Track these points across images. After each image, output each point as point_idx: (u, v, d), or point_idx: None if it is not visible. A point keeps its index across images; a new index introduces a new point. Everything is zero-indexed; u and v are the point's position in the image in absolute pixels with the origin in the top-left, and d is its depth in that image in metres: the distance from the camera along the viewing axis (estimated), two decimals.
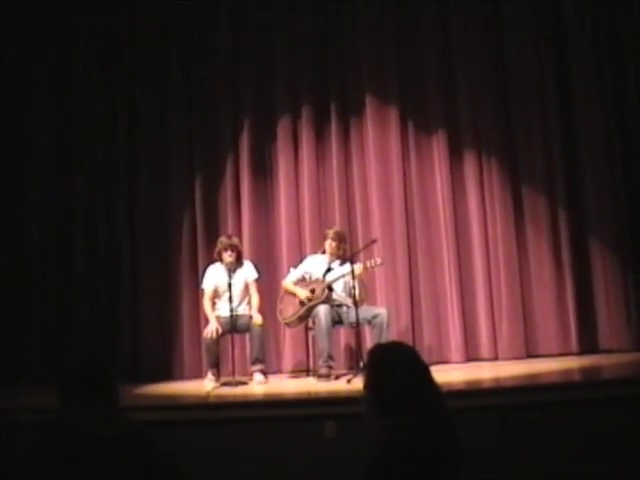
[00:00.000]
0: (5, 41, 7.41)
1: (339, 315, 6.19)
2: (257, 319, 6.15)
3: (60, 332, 7.15)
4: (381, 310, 6.08)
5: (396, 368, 2.21)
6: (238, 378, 5.96)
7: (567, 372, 5.73)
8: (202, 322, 6.74)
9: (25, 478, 2.07)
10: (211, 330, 6.09)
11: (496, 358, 6.71)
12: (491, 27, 7.10)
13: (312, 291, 6.22)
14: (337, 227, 6.66)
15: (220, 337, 6.13)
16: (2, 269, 7.18)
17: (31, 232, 7.36)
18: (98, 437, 2.11)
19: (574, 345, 6.60)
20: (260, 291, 6.46)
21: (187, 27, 7.53)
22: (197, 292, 6.89)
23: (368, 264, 6.11)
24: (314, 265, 6.40)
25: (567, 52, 6.92)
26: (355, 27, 7.29)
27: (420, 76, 7.17)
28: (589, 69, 6.80)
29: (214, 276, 6.39)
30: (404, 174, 7.09)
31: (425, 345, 6.80)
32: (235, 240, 6.47)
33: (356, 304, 5.84)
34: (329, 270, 6.24)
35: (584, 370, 5.83)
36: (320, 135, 7.30)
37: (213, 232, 7.09)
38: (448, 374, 5.78)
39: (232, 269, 6.26)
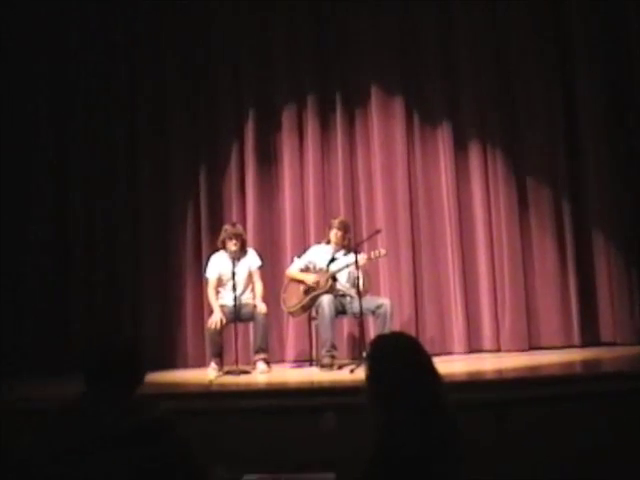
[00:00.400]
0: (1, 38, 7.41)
1: (342, 305, 6.20)
2: (261, 308, 6.17)
3: (61, 320, 7.13)
4: (385, 300, 6.09)
5: (396, 360, 2.20)
6: (241, 367, 6.01)
7: (569, 365, 5.73)
8: (205, 311, 6.76)
9: (30, 470, 2.07)
10: (215, 321, 6.10)
11: (498, 350, 6.73)
12: (495, 17, 7.09)
13: (315, 282, 6.23)
14: (342, 217, 6.67)
15: (224, 327, 6.15)
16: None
17: (30, 220, 7.30)
18: (110, 432, 2.08)
19: (576, 338, 6.61)
20: (264, 280, 6.47)
21: (187, 15, 7.49)
22: (201, 281, 6.90)
23: (372, 255, 6.11)
24: (318, 255, 6.40)
25: (571, 46, 6.90)
26: (360, 17, 7.27)
27: (425, 67, 7.16)
28: (593, 63, 6.79)
29: (218, 265, 6.39)
30: (409, 165, 7.09)
31: (428, 336, 6.82)
32: (240, 228, 6.48)
33: (360, 294, 5.85)
34: (333, 260, 6.24)
35: (586, 363, 5.83)
36: (325, 125, 7.29)
37: (217, 222, 7.08)
38: (450, 365, 5.79)
39: (236, 257, 6.27)
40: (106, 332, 6.84)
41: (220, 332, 6.13)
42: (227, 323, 6.14)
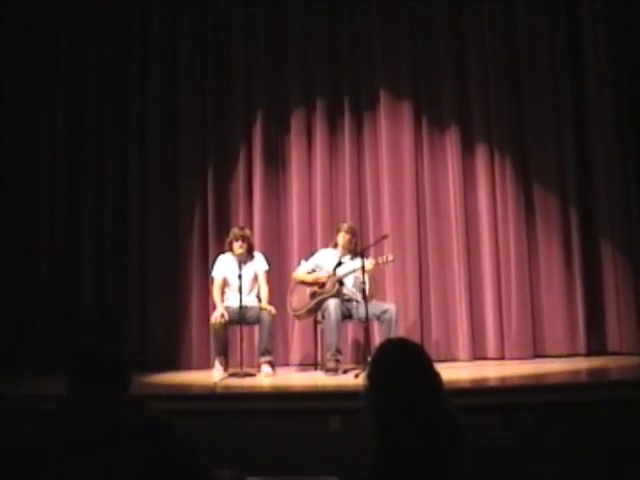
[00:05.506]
0: (11, 31, 7.43)
1: (348, 310, 6.20)
2: (269, 309, 6.17)
3: (67, 320, 7.15)
4: (390, 306, 6.09)
5: (396, 365, 2.19)
6: (246, 369, 5.97)
7: (574, 373, 5.72)
8: (211, 312, 6.74)
9: (42, 465, 2.07)
10: (217, 315, 6.12)
11: (503, 357, 6.70)
12: (505, 23, 7.08)
13: (322, 285, 6.23)
14: (350, 221, 6.67)
15: (228, 324, 6.15)
16: (11, 256, 7.20)
17: (40, 218, 7.34)
18: (122, 427, 2.09)
19: (582, 346, 6.59)
20: (270, 283, 6.47)
21: (200, 17, 7.50)
22: (207, 283, 6.89)
23: (380, 260, 6.11)
24: (325, 259, 6.40)
25: (581, 49, 6.91)
26: (369, 22, 7.27)
27: (434, 72, 7.16)
28: (603, 66, 6.79)
29: (224, 266, 6.40)
30: (416, 169, 7.08)
31: (432, 342, 6.80)
32: (247, 231, 6.48)
33: (366, 299, 5.84)
34: (340, 264, 6.23)
35: (591, 371, 5.83)
36: (333, 129, 7.29)
37: (224, 224, 7.09)
38: (454, 372, 5.78)
39: (242, 260, 6.27)
40: (91, 341, 6.86)
41: (224, 328, 6.14)
42: (231, 323, 6.16)
